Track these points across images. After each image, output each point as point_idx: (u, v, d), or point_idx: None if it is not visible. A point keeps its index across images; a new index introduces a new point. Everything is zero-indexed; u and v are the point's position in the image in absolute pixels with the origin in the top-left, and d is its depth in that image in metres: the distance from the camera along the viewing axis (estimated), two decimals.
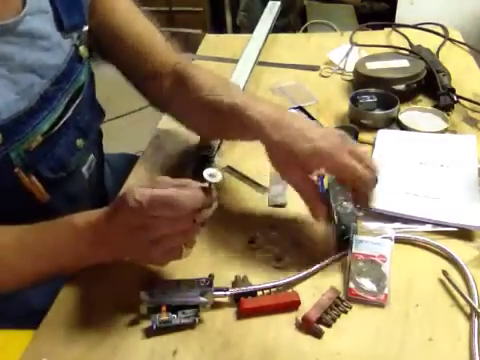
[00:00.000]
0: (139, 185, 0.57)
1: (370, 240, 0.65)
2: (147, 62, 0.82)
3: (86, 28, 0.75)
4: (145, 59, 0.82)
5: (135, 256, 0.62)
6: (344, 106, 0.95)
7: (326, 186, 0.75)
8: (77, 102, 0.74)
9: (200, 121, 0.78)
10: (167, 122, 0.97)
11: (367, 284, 0.61)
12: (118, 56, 0.83)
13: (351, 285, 0.61)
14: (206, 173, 0.56)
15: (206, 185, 0.57)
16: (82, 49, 0.74)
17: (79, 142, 0.76)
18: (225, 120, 0.71)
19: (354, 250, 0.64)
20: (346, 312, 0.59)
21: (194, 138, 0.89)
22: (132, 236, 0.58)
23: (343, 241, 0.65)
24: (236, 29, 2.73)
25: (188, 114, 0.80)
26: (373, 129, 0.88)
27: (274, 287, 0.61)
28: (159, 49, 0.83)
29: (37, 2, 0.68)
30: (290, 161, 0.64)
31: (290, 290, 0.61)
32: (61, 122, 0.71)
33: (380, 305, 0.59)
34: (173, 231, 0.57)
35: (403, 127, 0.89)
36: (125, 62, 0.84)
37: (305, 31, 1.58)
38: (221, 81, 0.78)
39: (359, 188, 0.68)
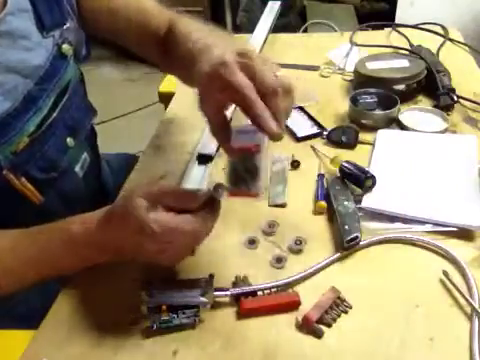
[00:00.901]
0: (146, 201, 0.56)
1: (245, 130, 0.58)
2: (146, 30, 0.83)
3: (67, 25, 0.74)
4: (143, 28, 0.83)
5: (139, 259, 0.62)
6: (344, 106, 0.95)
7: (326, 186, 0.76)
8: (64, 101, 0.73)
9: (186, 75, 0.77)
10: (167, 122, 0.97)
11: (240, 179, 0.58)
12: (117, 32, 0.85)
13: (229, 185, 0.58)
14: (214, 188, 0.57)
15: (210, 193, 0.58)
16: (65, 47, 0.73)
17: (69, 141, 0.75)
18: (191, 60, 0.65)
19: (232, 143, 0.57)
20: (346, 312, 0.59)
21: (194, 138, 0.89)
22: (139, 246, 0.57)
23: (347, 241, 0.65)
24: (236, 29, 2.73)
25: (177, 68, 0.81)
26: (373, 129, 0.88)
27: (274, 287, 0.61)
28: (155, 13, 0.84)
29: (17, 2, 0.67)
30: (206, 82, 0.55)
31: (290, 290, 0.61)
32: (48, 122, 0.70)
33: (255, 196, 0.57)
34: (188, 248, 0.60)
35: (403, 127, 0.89)
36: (125, 36, 0.85)
37: (305, 31, 1.57)
38: (204, 32, 0.72)
39: (270, 105, 0.53)
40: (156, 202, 0.56)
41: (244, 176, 0.58)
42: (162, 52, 0.83)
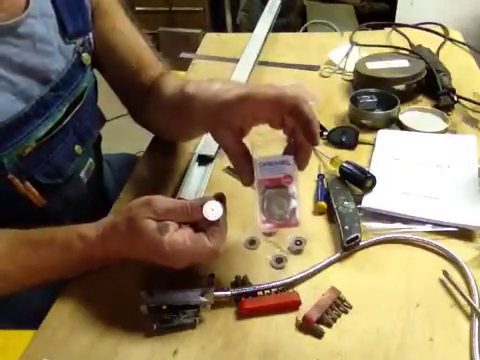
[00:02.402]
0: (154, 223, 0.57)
1: (273, 161, 0.60)
2: (134, 77, 0.83)
3: (90, 35, 0.75)
4: (133, 75, 0.83)
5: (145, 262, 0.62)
6: (344, 106, 0.95)
7: (326, 186, 0.76)
8: (77, 108, 0.73)
9: (165, 121, 0.78)
10: None
11: (276, 210, 0.59)
12: (110, 71, 0.84)
13: (262, 218, 0.59)
14: (207, 209, 0.57)
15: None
16: (85, 56, 0.74)
17: (77, 148, 0.75)
18: (181, 111, 0.69)
19: (259, 176, 0.59)
20: (346, 312, 0.59)
21: (194, 139, 0.89)
22: (151, 260, 0.59)
23: (347, 241, 0.65)
24: (236, 29, 2.73)
25: (156, 117, 0.82)
26: (373, 129, 0.88)
27: (274, 287, 0.61)
28: (148, 63, 0.84)
29: (40, 6, 0.67)
30: (216, 119, 0.60)
31: (290, 290, 0.61)
32: (58, 128, 0.70)
33: (295, 226, 0.59)
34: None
35: (403, 127, 0.89)
36: (116, 77, 0.85)
37: (305, 31, 1.58)
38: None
39: (298, 116, 0.56)
40: (162, 220, 0.57)
41: (279, 207, 0.59)
42: (144, 103, 0.82)
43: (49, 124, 0.68)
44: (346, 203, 0.71)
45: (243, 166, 0.60)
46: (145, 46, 0.84)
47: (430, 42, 1.12)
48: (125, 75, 0.83)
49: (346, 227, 0.67)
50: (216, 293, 0.59)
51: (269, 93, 0.56)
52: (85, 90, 0.75)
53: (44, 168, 0.69)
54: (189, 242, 0.56)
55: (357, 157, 0.81)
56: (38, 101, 0.66)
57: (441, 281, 0.62)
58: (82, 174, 0.78)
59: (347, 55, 1.12)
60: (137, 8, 2.89)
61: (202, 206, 0.57)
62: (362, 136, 0.87)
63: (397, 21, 2.19)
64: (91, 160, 0.81)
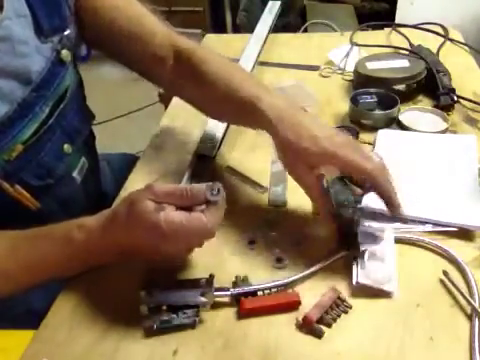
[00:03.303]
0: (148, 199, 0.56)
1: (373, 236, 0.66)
2: (145, 47, 0.80)
3: (68, 32, 0.73)
4: (142, 45, 0.80)
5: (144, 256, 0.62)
6: (344, 106, 0.95)
7: (326, 185, 0.76)
8: (61, 107, 0.72)
9: (213, 109, 0.79)
10: (167, 122, 0.97)
11: (375, 272, 0.61)
12: (115, 48, 0.82)
13: (360, 273, 0.61)
14: (208, 191, 0.57)
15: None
16: (64, 53, 0.72)
17: (66, 147, 0.74)
18: (238, 111, 0.72)
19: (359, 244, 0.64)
20: (346, 312, 0.59)
21: (194, 138, 0.89)
22: (154, 247, 0.58)
23: (347, 241, 0.65)
24: (236, 29, 2.73)
25: (201, 102, 0.80)
26: (373, 129, 0.88)
27: (274, 287, 0.61)
28: (155, 30, 0.81)
29: (14, 6, 0.65)
30: (295, 158, 0.65)
31: (290, 290, 0.61)
32: (43, 129, 0.69)
33: (388, 295, 0.60)
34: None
35: (403, 127, 0.89)
36: (123, 52, 0.82)
37: (305, 31, 1.57)
38: (234, 69, 0.77)
39: (375, 187, 0.64)
40: (162, 203, 0.56)
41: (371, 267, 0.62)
42: (170, 75, 0.80)
43: (34, 125, 0.67)
44: (346, 203, 0.71)
45: (317, 196, 0.66)
46: (145, 13, 0.81)
47: (430, 42, 1.12)
48: (133, 49, 0.80)
49: (345, 227, 0.67)
50: (216, 293, 0.59)
51: (351, 159, 0.63)
52: (68, 88, 0.73)
53: (33, 170, 0.68)
54: (186, 221, 0.55)
55: None
56: (20, 103, 0.65)
57: (441, 281, 0.62)
58: (75, 174, 0.77)
59: (347, 55, 1.12)
60: None
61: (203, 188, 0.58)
62: (362, 136, 0.87)
63: (397, 21, 2.19)
64: (84, 159, 0.80)
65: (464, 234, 0.67)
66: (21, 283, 0.62)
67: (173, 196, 0.57)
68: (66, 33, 0.72)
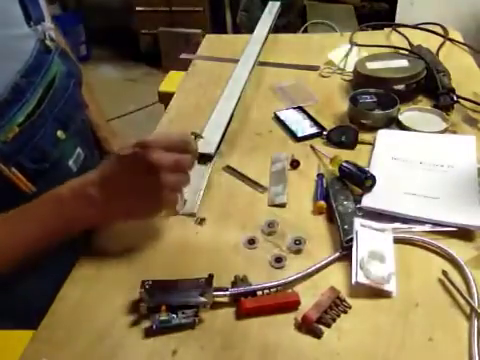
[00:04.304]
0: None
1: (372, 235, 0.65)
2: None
3: (49, 25, 0.76)
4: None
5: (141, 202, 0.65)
6: (344, 106, 0.95)
7: (326, 186, 0.76)
8: (50, 94, 0.74)
9: None
10: (167, 122, 0.97)
11: (374, 272, 0.61)
12: None
13: (359, 273, 0.61)
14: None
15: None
16: (48, 42, 0.75)
17: (60, 133, 0.76)
18: None
19: (358, 245, 0.64)
20: (346, 312, 0.59)
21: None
22: (137, 185, 0.63)
23: (347, 241, 0.65)
24: (236, 29, 2.73)
25: None
26: (373, 129, 0.88)
27: (274, 287, 0.61)
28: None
29: None
30: None
31: (290, 290, 0.61)
32: (36, 113, 0.71)
33: (388, 295, 0.60)
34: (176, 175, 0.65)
35: (403, 127, 0.89)
36: None
37: (305, 31, 1.58)
38: None
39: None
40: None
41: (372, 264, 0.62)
42: None
43: (26, 110, 0.70)
44: (346, 203, 0.71)
45: None
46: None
47: (430, 42, 1.12)
48: None
49: (345, 227, 0.67)
50: (215, 293, 0.59)
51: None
52: (55, 76, 0.76)
53: (29, 153, 0.70)
54: (166, 153, 0.63)
55: (357, 157, 0.81)
56: (13, 87, 0.68)
57: (440, 281, 0.62)
58: (71, 163, 0.79)
59: (347, 55, 1.12)
60: (137, 8, 2.90)
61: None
62: (362, 136, 0.87)
63: (397, 21, 2.20)
64: (79, 150, 0.81)
65: (464, 234, 0.67)
66: (15, 253, 0.64)
67: (157, 142, 0.63)
68: (45, 24, 0.76)
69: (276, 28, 1.29)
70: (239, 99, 0.97)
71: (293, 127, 0.91)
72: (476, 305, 0.58)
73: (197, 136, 0.75)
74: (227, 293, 0.60)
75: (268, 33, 1.23)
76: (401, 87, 0.97)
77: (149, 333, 0.58)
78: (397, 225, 0.69)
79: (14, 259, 0.63)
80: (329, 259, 0.65)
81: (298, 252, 0.67)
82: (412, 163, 0.80)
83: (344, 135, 0.86)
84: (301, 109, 0.96)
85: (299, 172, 0.81)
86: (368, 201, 0.72)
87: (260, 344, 0.56)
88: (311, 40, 1.26)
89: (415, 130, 0.87)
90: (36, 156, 0.71)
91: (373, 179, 0.74)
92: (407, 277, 0.62)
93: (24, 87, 0.69)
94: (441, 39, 1.16)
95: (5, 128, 0.66)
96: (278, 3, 1.36)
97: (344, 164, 0.76)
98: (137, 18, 2.95)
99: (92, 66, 3.01)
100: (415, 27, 1.24)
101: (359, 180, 0.74)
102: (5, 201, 0.64)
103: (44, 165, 0.73)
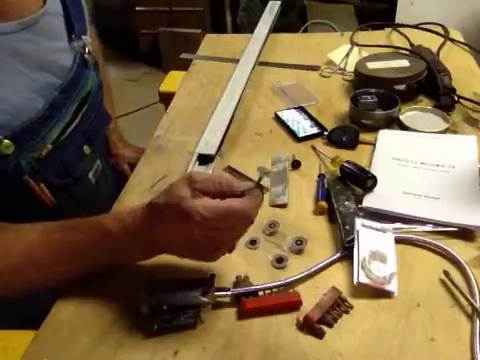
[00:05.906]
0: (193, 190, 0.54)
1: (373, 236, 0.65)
2: None
3: (89, 38, 0.76)
4: None
5: (190, 257, 0.60)
6: (345, 106, 0.95)
7: (327, 186, 0.76)
8: (84, 109, 0.74)
9: None
10: (167, 122, 0.97)
11: (376, 272, 0.61)
12: None
13: (360, 273, 0.61)
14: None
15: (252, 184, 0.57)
16: (87, 56, 0.75)
17: (86, 148, 0.76)
18: None
19: (360, 245, 0.64)
20: (347, 312, 0.59)
21: (195, 138, 0.89)
22: (187, 235, 0.55)
23: (348, 241, 0.65)
24: (236, 29, 2.73)
25: None
26: (374, 129, 0.88)
27: (275, 287, 0.61)
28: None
29: (52, 3, 0.68)
30: None
31: (291, 290, 0.61)
32: (69, 129, 0.71)
33: (389, 295, 0.60)
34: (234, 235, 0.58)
35: (404, 127, 0.89)
36: None
37: (305, 31, 1.57)
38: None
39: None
40: (198, 190, 0.55)
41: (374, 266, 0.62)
42: None
43: (61, 126, 0.69)
44: (347, 203, 0.71)
45: None
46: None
47: (430, 42, 1.12)
48: None
49: (347, 227, 0.67)
50: (217, 293, 0.59)
51: None
52: (90, 91, 0.76)
53: (56, 169, 0.70)
54: (223, 202, 0.53)
55: (358, 157, 0.81)
56: (51, 103, 0.67)
57: (442, 281, 0.62)
58: (91, 175, 0.79)
59: (347, 55, 1.12)
60: (137, 8, 2.90)
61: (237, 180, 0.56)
62: (363, 136, 0.87)
63: (397, 21, 2.20)
64: (99, 161, 0.82)
65: (464, 234, 0.67)
66: (51, 272, 0.61)
67: (210, 182, 0.55)
68: (87, 39, 0.75)
69: (276, 28, 1.29)
70: (239, 99, 0.97)
71: (294, 127, 0.91)
72: (478, 305, 0.58)
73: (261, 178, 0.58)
74: (229, 293, 0.60)
75: (268, 33, 1.23)
76: (402, 87, 0.96)
77: (150, 333, 0.58)
78: (398, 225, 0.69)
79: (51, 282, 0.62)
80: (330, 259, 0.65)
81: (299, 252, 0.67)
82: (413, 163, 0.80)
83: (345, 135, 0.86)
84: (302, 109, 0.96)
85: (300, 172, 0.81)
86: (369, 201, 0.72)
87: (262, 344, 0.56)
88: (311, 40, 1.26)
89: (416, 130, 0.87)
90: (62, 172, 0.71)
91: (374, 179, 0.73)
92: (408, 277, 0.62)
93: (61, 103, 0.69)
94: (442, 39, 1.16)
95: (39, 145, 0.66)
96: (278, 3, 1.36)
97: (345, 164, 0.76)
98: (137, 18, 2.95)
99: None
100: (415, 27, 1.23)
101: (360, 180, 0.74)
102: (26, 211, 0.64)
103: (68, 180, 0.73)
